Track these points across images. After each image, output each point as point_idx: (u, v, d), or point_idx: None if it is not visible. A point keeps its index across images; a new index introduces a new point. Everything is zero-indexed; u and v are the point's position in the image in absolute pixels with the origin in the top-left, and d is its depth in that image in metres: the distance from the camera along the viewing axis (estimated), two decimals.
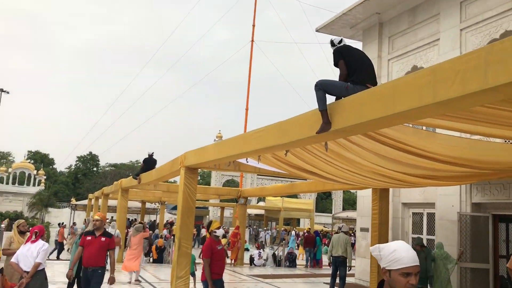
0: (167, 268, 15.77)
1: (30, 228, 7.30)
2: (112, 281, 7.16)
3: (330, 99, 4.93)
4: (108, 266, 7.38)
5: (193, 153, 9.65)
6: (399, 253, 2.29)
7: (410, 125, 5.67)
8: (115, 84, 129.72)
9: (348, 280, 11.77)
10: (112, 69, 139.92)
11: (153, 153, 15.77)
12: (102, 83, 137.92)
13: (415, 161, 6.39)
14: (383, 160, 6.51)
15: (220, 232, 7.18)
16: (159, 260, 17.84)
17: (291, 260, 19.22)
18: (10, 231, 8.55)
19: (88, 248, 7.07)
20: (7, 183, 50.37)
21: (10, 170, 51.68)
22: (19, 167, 52.69)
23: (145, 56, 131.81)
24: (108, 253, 7.29)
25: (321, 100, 4.78)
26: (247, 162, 8.37)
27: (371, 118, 4.23)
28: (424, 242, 12.09)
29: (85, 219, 11.78)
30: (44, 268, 6.48)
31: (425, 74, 3.68)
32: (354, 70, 4.83)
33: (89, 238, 7.18)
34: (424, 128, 7.45)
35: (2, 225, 17.01)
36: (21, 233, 7.80)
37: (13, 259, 6.52)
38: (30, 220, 33.68)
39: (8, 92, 62.25)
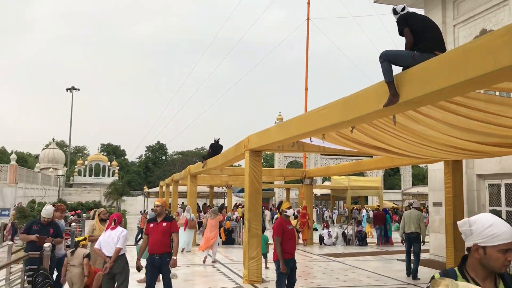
0: (237, 249, 16.12)
1: (109, 216, 7.71)
2: (173, 263, 6.95)
3: (396, 70, 4.75)
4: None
5: (256, 136, 9.72)
6: (498, 228, 2.09)
7: (482, 92, 5.35)
8: (177, 74, 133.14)
9: (423, 256, 11.46)
10: (172, 59, 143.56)
11: (219, 139, 16.13)
12: (164, 74, 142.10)
13: (489, 129, 6.05)
14: (455, 130, 6.22)
15: (290, 212, 7.19)
16: (228, 241, 18.13)
17: (361, 238, 18.99)
18: (93, 219, 9.07)
19: (152, 235, 6.98)
20: (85, 175, 53.52)
21: (86, 163, 54.81)
22: (94, 160, 55.77)
23: (202, 44, 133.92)
24: (171, 237, 7.14)
25: (387, 72, 4.62)
26: (311, 141, 8.29)
27: (442, 87, 4.04)
28: (503, 214, 11.50)
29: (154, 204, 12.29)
30: (124, 253, 6.82)
31: (500, 35, 3.44)
32: (421, 37, 4.61)
33: (152, 225, 7.07)
34: (497, 93, 7.03)
35: (84, 215, 18.13)
36: (102, 220, 8.26)
37: (96, 246, 6.93)
38: (108, 208, 35.64)
39: (78, 90, 65.83)
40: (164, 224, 7.01)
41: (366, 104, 5.27)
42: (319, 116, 6.32)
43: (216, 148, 15.89)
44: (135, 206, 42.66)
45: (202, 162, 15.86)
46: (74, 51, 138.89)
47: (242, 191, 49.17)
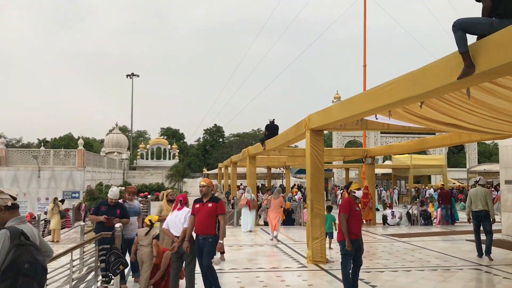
0: (298, 229, 16.14)
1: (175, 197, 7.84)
2: (219, 247, 6.62)
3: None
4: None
5: (317, 114, 9.54)
6: None
7: None
8: (232, 56, 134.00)
9: (494, 236, 10.91)
10: (227, 42, 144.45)
11: (274, 119, 16.14)
12: (220, 57, 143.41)
13: None
14: None
15: (359, 194, 7.01)
16: (287, 222, 18.12)
17: (425, 218, 18.43)
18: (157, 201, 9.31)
19: (198, 216, 6.73)
20: (147, 158, 55.37)
21: (148, 146, 56.69)
22: (155, 143, 57.51)
23: (257, 25, 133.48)
24: (217, 219, 6.70)
25: (462, 41, 4.31)
26: (377, 119, 8.01)
27: None
28: None
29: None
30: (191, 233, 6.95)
31: None
32: (500, 1, 4.25)
33: (197, 205, 6.80)
34: None
35: (149, 196, 18.83)
36: (169, 201, 8.44)
37: (164, 226, 7.12)
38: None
39: (138, 76, 67.78)
40: (210, 204, 6.71)
41: (437, 77, 4.98)
42: (386, 91, 6.07)
43: (272, 128, 15.89)
44: (195, 187, 43.62)
45: (262, 145, 15.91)
46: (132, 38, 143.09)
47: (299, 171, 49.03)
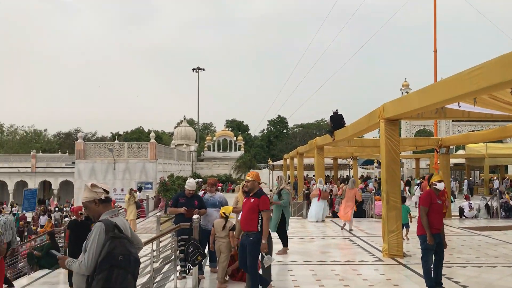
0: (369, 221, 15.80)
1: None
2: (262, 247, 6.12)
3: None
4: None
5: (392, 103, 9.23)
6: None
7: None
8: (296, 47, 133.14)
9: None
10: (291, 32, 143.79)
11: (337, 110, 15.96)
12: (283, 47, 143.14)
13: None
14: None
15: (440, 186, 6.70)
16: (357, 213, 17.64)
17: (506, 210, 17.35)
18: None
19: (242, 211, 6.39)
20: (213, 150, 56.57)
21: (214, 138, 57.87)
22: (221, 135, 58.60)
23: (321, 14, 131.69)
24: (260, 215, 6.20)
25: None
26: (460, 107, 7.60)
27: None
28: None
29: (277, 176, 12.45)
30: None
31: None
32: None
33: (244, 200, 6.49)
34: None
35: (219, 187, 19.27)
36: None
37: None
38: (238, 181, 37.35)
39: (203, 70, 69.18)
40: (252, 200, 6.26)
41: None
42: (471, 77, 5.72)
43: (336, 119, 15.72)
44: (262, 179, 43.99)
45: (331, 136, 15.78)
46: (197, 32, 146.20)
47: (366, 162, 47.95)
